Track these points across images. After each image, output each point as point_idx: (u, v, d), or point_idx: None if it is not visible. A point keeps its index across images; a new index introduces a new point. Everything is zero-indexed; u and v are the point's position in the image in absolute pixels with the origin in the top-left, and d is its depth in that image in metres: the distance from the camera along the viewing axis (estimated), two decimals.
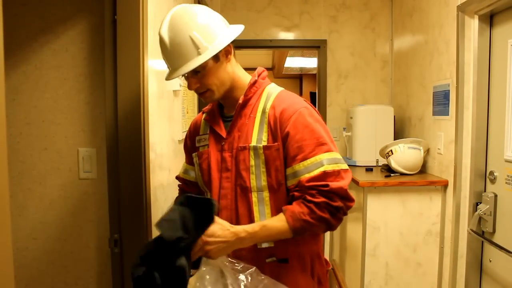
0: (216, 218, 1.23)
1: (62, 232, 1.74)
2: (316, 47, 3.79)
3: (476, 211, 2.23)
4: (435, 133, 2.74)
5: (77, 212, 1.74)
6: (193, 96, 2.56)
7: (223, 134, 1.38)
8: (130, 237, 1.62)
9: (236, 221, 1.31)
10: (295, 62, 6.22)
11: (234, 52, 1.37)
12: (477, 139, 2.26)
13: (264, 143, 1.29)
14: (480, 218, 2.22)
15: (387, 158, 2.92)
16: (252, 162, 1.29)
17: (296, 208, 1.23)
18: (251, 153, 1.30)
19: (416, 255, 2.66)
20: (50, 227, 1.73)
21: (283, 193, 1.31)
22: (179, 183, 1.65)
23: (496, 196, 2.15)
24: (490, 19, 2.23)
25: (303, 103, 1.33)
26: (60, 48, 1.70)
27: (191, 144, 1.54)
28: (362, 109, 3.31)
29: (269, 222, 1.26)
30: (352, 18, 3.74)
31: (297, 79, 8.11)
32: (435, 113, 2.75)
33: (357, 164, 3.27)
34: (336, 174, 1.25)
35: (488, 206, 2.16)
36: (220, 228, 1.21)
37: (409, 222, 2.64)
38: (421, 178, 2.70)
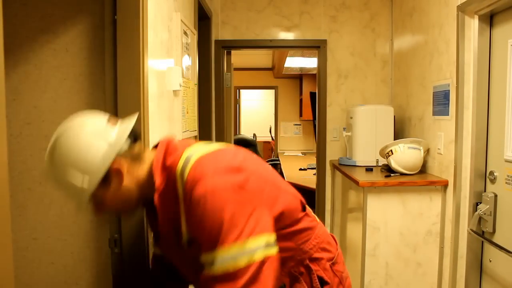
0: None
1: (62, 232, 1.74)
2: (316, 47, 3.79)
3: (476, 211, 2.23)
4: (435, 133, 2.74)
5: (77, 212, 1.73)
6: (193, 96, 2.56)
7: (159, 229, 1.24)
8: (130, 237, 1.62)
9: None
10: (295, 62, 6.22)
11: (132, 154, 1.19)
12: (477, 139, 2.26)
13: (190, 238, 1.15)
14: (480, 218, 2.22)
15: (387, 158, 2.92)
16: (195, 254, 1.13)
17: None
18: (186, 247, 1.17)
19: (416, 255, 2.66)
20: (50, 227, 1.73)
21: None
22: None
23: (496, 196, 2.15)
24: (490, 19, 2.23)
25: (207, 184, 1.06)
26: (60, 48, 1.70)
27: (153, 226, 1.42)
28: (362, 109, 3.31)
29: None
30: (352, 18, 3.75)
31: (297, 79, 8.12)
32: (435, 113, 2.75)
33: (357, 164, 3.27)
34: (227, 277, 1.01)
35: (488, 206, 2.16)
36: None
37: (409, 222, 2.64)
38: (421, 178, 2.70)
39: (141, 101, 1.60)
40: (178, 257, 1.29)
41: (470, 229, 2.26)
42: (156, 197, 1.16)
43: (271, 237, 1.08)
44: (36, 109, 1.70)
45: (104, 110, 1.66)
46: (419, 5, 3.05)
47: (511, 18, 2.05)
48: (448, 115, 2.53)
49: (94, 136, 1.14)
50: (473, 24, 2.28)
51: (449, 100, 2.51)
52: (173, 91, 2.10)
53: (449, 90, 2.51)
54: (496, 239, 2.14)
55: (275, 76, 8.14)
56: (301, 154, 7.80)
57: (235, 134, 8.22)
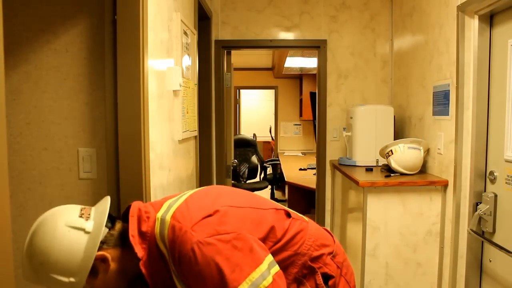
0: None
1: None
2: (316, 47, 3.79)
3: (476, 211, 2.23)
4: (435, 133, 2.74)
5: None
6: (193, 96, 2.56)
7: None
8: None
9: None
10: (295, 62, 6.22)
11: (117, 240, 1.19)
12: (477, 139, 2.26)
13: None
14: (480, 218, 2.22)
15: (387, 158, 2.92)
16: None
17: None
18: None
19: (416, 255, 2.66)
20: None
21: None
22: None
23: (496, 196, 2.14)
24: (490, 19, 2.23)
25: (191, 239, 1.09)
26: (60, 48, 1.70)
27: None
28: (362, 109, 3.31)
29: None
30: (352, 18, 3.75)
31: (297, 79, 8.12)
32: (435, 113, 2.75)
33: (357, 164, 3.27)
34: None
35: (488, 206, 2.16)
36: None
37: (409, 222, 2.64)
38: (421, 178, 2.70)
39: (141, 101, 1.60)
40: None
41: (470, 229, 2.26)
42: (142, 267, 1.16)
43: (269, 257, 1.13)
44: (36, 109, 1.71)
45: (104, 110, 1.66)
46: (419, 5, 3.05)
47: (511, 18, 2.05)
48: (448, 115, 2.53)
49: (71, 233, 1.12)
50: (473, 24, 2.28)
51: (449, 100, 2.51)
52: (173, 91, 2.10)
53: (449, 90, 2.51)
54: (496, 239, 2.14)
55: (275, 76, 8.15)
56: (301, 154, 7.81)
57: (235, 134, 8.22)
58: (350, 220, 3.18)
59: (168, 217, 1.15)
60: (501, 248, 2.01)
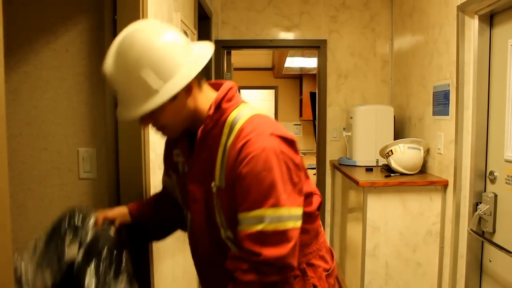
0: None
1: None
2: (316, 47, 3.79)
3: (476, 211, 2.23)
4: (435, 133, 2.74)
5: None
6: None
7: (187, 164, 1.25)
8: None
9: (209, 250, 1.24)
10: (295, 62, 6.22)
11: (199, 80, 1.16)
12: (477, 139, 2.26)
13: (222, 186, 1.13)
14: (480, 218, 2.22)
15: (387, 158, 2.92)
16: (215, 201, 1.15)
17: None
18: (214, 190, 1.15)
19: (416, 255, 2.66)
20: None
21: None
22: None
23: (496, 196, 2.15)
24: (490, 19, 2.23)
25: (266, 141, 1.07)
26: (60, 48, 1.70)
27: (169, 156, 1.38)
28: (362, 109, 3.31)
29: None
30: (352, 18, 3.75)
31: (297, 79, 8.12)
32: (435, 113, 2.75)
33: (357, 164, 3.27)
34: (277, 235, 1.04)
35: (488, 206, 2.16)
36: None
37: (409, 222, 2.64)
38: (421, 178, 2.70)
39: None
40: (189, 193, 1.24)
41: (470, 229, 2.26)
42: (200, 131, 1.16)
43: (302, 210, 1.12)
44: (36, 109, 1.70)
45: (104, 110, 1.66)
46: (419, 5, 3.05)
47: (511, 18, 2.05)
48: (448, 115, 2.53)
49: (178, 42, 1.10)
50: (473, 24, 2.28)
51: (449, 100, 2.51)
52: None
53: (449, 90, 2.51)
54: (496, 239, 2.14)
55: (275, 76, 8.14)
56: (301, 154, 7.79)
57: None
58: (350, 220, 3.18)
59: (250, 113, 1.15)
60: (501, 248, 2.01)
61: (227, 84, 1.20)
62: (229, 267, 1.09)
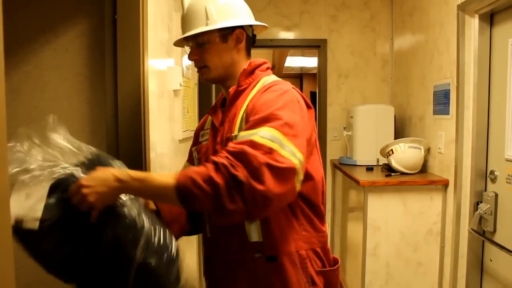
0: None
1: None
2: (316, 46, 3.78)
3: (476, 210, 2.23)
4: (436, 133, 2.74)
5: None
6: (193, 95, 2.56)
7: (217, 124, 1.31)
8: None
9: None
10: (295, 61, 6.23)
11: (248, 47, 1.35)
12: (477, 138, 2.26)
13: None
14: (480, 218, 2.22)
15: (387, 157, 2.92)
16: None
17: (197, 168, 1.05)
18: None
19: (417, 254, 2.66)
20: None
21: None
22: None
23: (496, 195, 2.14)
24: (490, 18, 2.23)
25: (287, 88, 1.20)
26: (61, 48, 1.70)
27: (195, 139, 1.47)
28: (363, 109, 3.31)
29: (158, 174, 1.23)
30: (352, 17, 3.74)
31: (298, 79, 8.12)
32: (435, 112, 2.75)
33: (357, 164, 3.27)
34: (265, 150, 1.00)
35: (488, 206, 2.16)
36: (102, 171, 1.06)
37: (410, 222, 2.64)
38: (421, 178, 2.69)
39: (141, 101, 1.60)
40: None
41: (471, 229, 2.25)
42: (232, 88, 1.29)
43: (302, 157, 1.08)
44: (36, 109, 1.70)
45: (105, 109, 1.66)
46: (419, 4, 3.05)
47: (511, 17, 2.06)
48: (448, 114, 2.52)
49: (241, 5, 1.36)
50: (473, 23, 2.27)
51: (449, 100, 2.51)
52: (173, 90, 2.10)
53: (449, 90, 2.51)
54: (497, 238, 2.14)
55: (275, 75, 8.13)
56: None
57: None
58: (351, 219, 3.18)
59: (271, 80, 1.29)
60: (502, 247, 2.01)
61: (260, 59, 1.36)
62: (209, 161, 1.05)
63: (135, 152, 1.61)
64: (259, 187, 0.97)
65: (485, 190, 2.25)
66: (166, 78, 2.00)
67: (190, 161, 1.48)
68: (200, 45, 1.27)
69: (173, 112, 2.11)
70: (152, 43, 1.75)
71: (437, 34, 2.71)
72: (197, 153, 1.38)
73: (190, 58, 1.31)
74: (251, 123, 1.09)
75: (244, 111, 1.21)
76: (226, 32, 1.27)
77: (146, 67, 1.63)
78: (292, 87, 1.22)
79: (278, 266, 1.21)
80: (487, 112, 2.25)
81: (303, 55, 5.67)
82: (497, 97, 2.17)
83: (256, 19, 1.39)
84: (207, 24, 1.24)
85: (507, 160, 2.06)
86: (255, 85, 1.28)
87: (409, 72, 3.30)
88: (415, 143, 2.82)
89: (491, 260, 2.22)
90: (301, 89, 7.70)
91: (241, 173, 0.97)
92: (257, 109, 1.13)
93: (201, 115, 3.14)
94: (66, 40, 1.70)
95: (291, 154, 1.03)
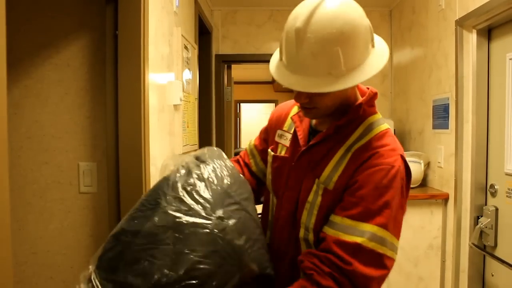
0: None
1: (61, 247, 1.73)
2: None
3: (477, 224, 2.22)
4: (435, 147, 2.74)
5: (77, 226, 1.73)
6: (193, 110, 2.57)
7: (302, 146, 1.16)
8: None
9: (282, 242, 1.19)
10: None
11: None
12: (477, 152, 2.26)
13: (329, 186, 1.06)
14: (481, 232, 2.21)
15: None
16: (310, 198, 1.09)
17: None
18: (314, 188, 1.09)
19: (418, 269, 2.64)
20: (49, 241, 1.73)
21: None
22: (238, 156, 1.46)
23: (497, 209, 2.14)
24: (488, 33, 2.25)
25: (397, 160, 1.06)
26: (62, 62, 1.72)
27: (271, 135, 1.33)
28: None
29: None
30: None
31: None
32: (435, 126, 2.76)
33: None
34: (373, 255, 0.97)
35: (489, 220, 2.15)
36: None
37: (410, 236, 2.63)
38: (421, 192, 2.69)
39: (141, 115, 1.61)
40: (290, 179, 1.18)
41: (472, 243, 2.24)
42: (333, 123, 1.11)
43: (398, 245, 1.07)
44: (37, 123, 1.71)
45: (105, 124, 1.67)
46: (418, 19, 3.08)
47: (509, 32, 2.07)
48: (448, 128, 2.53)
49: (368, 31, 1.03)
50: (471, 38, 2.29)
51: (448, 114, 2.52)
52: (174, 105, 2.11)
53: (448, 104, 2.52)
54: (498, 252, 2.12)
55: (275, 89, 8.18)
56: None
57: (235, 147, 8.21)
58: None
59: (386, 126, 1.16)
60: (503, 262, 1.99)
61: (373, 90, 1.20)
62: (304, 263, 1.02)
63: (135, 166, 1.61)
64: None
65: (485, 204, 2.25)
66: (167, 92, 2.01)
67: (262, 155, 1.38)
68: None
69: (173, 127, 2.11)
70: (153, 58, 1.77)
71: (435, 49, 2.74)
72: (273, 160, 1.26)
73: (297, 101, 1.07)
74: (355, 211, 1.00)
75: (340, 158, 1.08)
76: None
77: (147, 81, 1.64)
78: (400, 155, 1.09)
79: None
80: (486, 126, 2.25)
81: None
82: (496, 111, 2.18)
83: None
84: (330, 74, 0.98)
85: (507, 174, 2.06)
86: (358, 125, 1.12)
87: (408, 86, 3.32)
88: (414, 157, 2.82)
89: (492, 275, 2.20)
90: None
91: None
92: (364, 193, 1.01)
93: (201, 129, 3.15)
94: (68, 54, 1.72)
95: (395, 250, 1.03)
